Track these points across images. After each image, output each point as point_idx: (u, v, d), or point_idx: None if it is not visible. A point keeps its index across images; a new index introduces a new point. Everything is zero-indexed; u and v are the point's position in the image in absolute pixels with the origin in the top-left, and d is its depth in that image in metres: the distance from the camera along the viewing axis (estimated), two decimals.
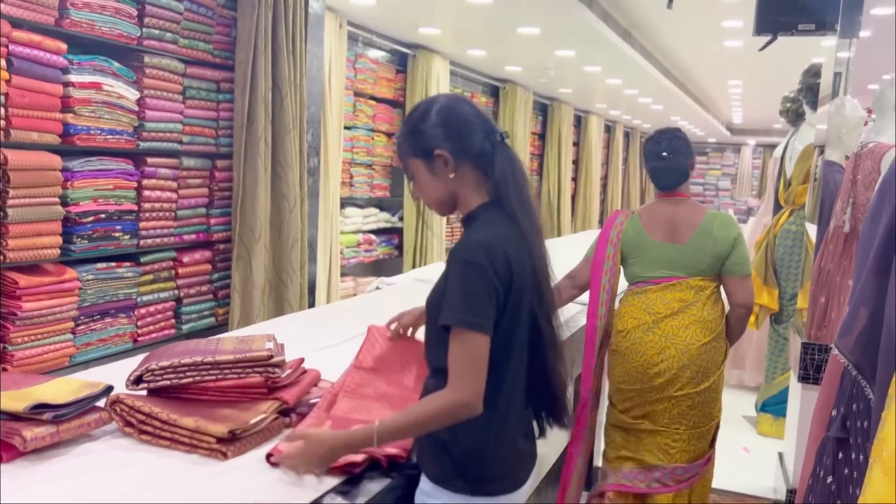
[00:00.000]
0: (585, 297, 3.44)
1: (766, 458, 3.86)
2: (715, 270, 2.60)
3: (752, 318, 4.27)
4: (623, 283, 2.78)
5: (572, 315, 3.12)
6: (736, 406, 4.81)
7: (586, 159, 11.10)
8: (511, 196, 1.52)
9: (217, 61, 3.55)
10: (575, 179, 10.96)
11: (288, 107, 3.68)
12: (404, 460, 1.58)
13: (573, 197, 10.83)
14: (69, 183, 2.85)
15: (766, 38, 3.68)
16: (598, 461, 3.57)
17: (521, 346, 1.54)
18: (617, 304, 2.77)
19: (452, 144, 1.52)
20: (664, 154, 2.72)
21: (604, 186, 12.60)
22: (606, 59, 6.70)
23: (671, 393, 2.56)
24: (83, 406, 1.60)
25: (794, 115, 4.61)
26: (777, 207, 4.47)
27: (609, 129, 12.69)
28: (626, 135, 13.89)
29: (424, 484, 1.54)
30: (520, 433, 1.58)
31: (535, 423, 1.62)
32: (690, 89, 9.55)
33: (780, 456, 3.59)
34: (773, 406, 4.29)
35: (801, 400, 3.05)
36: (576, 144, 10.88)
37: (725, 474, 3.68)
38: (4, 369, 2.62)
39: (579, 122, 11.01)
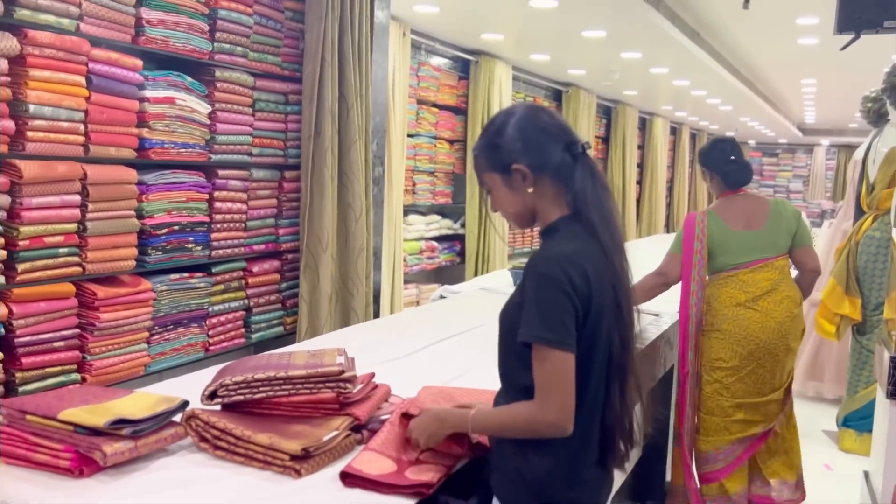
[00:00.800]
0: (654, 306, 3.37)
1: (849, 476, 3.68)
2: (788, 247, 3.00)
3: (833, 329, 4.09)
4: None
5: (643, 327, 3.03)
6: (815, 420, 4.61)
7: (651, 162, 10.88)
8: (591, 210, 1.47)
9: (285, 73, 3.60)
10: (640, 183, 10.76)
11: (354, 117, 3.70)
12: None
13: (638, 201, 10.63)
14: (144, 196, 2.91)
15: (848, 37, 3.51)
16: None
17: (601, 368, 1.48)
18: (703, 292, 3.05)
19: (530, 158, 1.48)
20: (732, 157, 3.13)
21: (670, 190, 12.33)
22: (673, 61, 6.55)
23: (771, 362, 2.93)
24: (160, 421, 1.62)
25: (877, 116, 4.40)
26: (859, 213, 4.27)
27: (675, 132, 12.42)
28: (693, 136, 13.56)
29: None
30: (594, 459, 1.52)
31: (618, 447, 1.55)
32: (760, 89, 9.26)
33: (866, 474, 3.41)
34: (857, 421, 4.09)
35: (889, 417, 2.89)
36: (641, 147, 10.68)
37: (806, 492, 3.54)
38: (84, 379, 2.69)
39: (644, 125, 10.80)
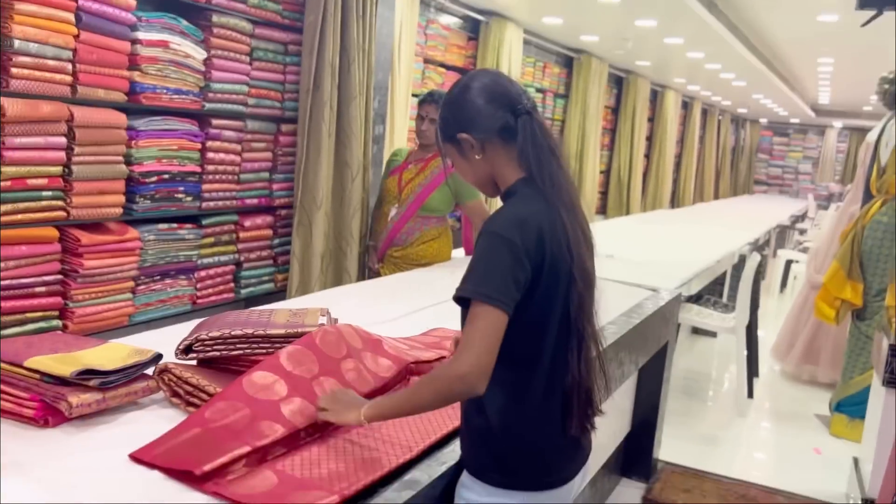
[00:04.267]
0: (652, 281, 3.31)
1: (838, 461, 3.65)
2: None
3: (833, 314, 4.03)
4: None
5: (638, 302, 2.98)
6: (808, 403, 4.59)
7: (661, 136, 10.74)
8: (534, 170, 1.43)
9: (286, 22, 3.49)
10: (648, 156, 10.62)
11: (355, 73, 3.59)
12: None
13: (645, 174, 10.51)
14: (133, 142, 2.83)
15: (869, 13, 3.40)
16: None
17: (558, 329, 1.43)
18: None
19: (472, 126, 1.47)
20: None
21: (677, 165, 12.20)
22: (689, 31, 6.39)
23: None
24: (131, 374, 1.56)
25: (893, 98, 4.28)
26: (867, 196, 4.17)
27: (686, 106, 12.25)
28: (704, 112, 13.38)
29: (464, 476, 1.47)
30: (560, 422, 1.47)
31: (576, 414, 1.48)
32: (776, 66, 9.08)
33: (856, 461, 3.38)
34: (850, 407, 4.04)
35: (884, 405, 2.84)
36: (650, 120, 10.52)
37: (793, 475, 3.51)
38: (65, 326, 2.64)
39: (655, 97, 10.63)
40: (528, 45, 6.82)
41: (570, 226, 1.42)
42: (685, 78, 10.10)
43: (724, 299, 5.42)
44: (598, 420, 1.54)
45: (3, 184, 2.41)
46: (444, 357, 1.91)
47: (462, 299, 1.36)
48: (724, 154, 15.31)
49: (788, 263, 8.49)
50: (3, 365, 1.49)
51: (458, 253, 3.85)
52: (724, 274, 5.53)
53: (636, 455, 3.36)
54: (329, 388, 1.55)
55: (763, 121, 17.22)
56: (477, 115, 1.47)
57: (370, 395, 1.59)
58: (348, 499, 1.27)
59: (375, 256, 3.54)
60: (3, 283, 2.45)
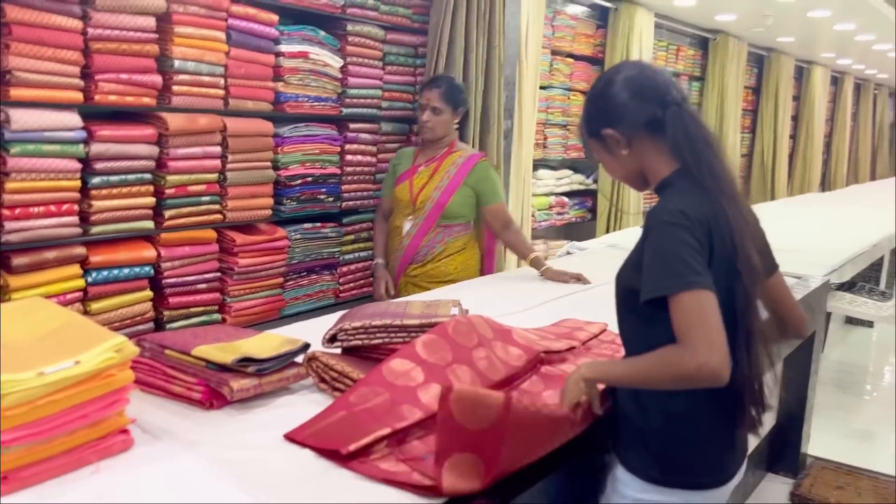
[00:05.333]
0: (799, 269, 3.16)
1: None
2: None
3: None
4: None
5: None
6: None
7: (807, 115, 10.08)
8: (690, 162, 1.40)
9: (416, 26, 3.60)
10: (794, 137, 10.01)
11: (492, 69, 3.66)
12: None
13: (791, 157, 9.91)
14: (279, 148, 3.04)
15: None
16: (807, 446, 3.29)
17: (726, 329, 1.39)
18: None
19: (617, 121, 1.45)
20: None
21: (827, 146, 11.41)
22: (837, 2, 5.98)
23: None
24: (283, 361, 1.69)
25: None
26: None
27: (836, 82, 11.41)
28: (857, 87, 12.42)
29: (619, 470, 1.48)
30: (723, 423, 1.45)
31: (748, 412, 1.45)
32: None
33: None
34: None
35: None
36: (796, 99, 9.91)
37: None
38: (224, 320, 2.88)
39: (801, 74, 10.00)
40: (660, 29, 6.62)
41: (733, 217, 1.37)
42: (834, 52, 9.42)
43: (882, 286, 5.05)
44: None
45: (168, 191, 2.67)
46: (574, 347, 1.93)
47: (657, 299, 1.29)
48: (881, 131, 14.13)
49: None
50: (174, 353, 1.67)
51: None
52: (882, 259, 5.15)
53: (783, 449, 3.22)
54: (463, 375, 1.61)
55: None
56: (622, 109, 1.45)
57: (501, 384, 1.65)
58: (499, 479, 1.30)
59: (388, 280, 3.06)
60: (170, 280, 2.72)
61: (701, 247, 1.31)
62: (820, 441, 3.35)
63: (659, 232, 1.34)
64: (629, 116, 1.44)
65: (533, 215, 5.13)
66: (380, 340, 1.78)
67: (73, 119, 2.37)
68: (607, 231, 5.64)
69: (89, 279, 2.50)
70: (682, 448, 1.43)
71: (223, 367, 1.61)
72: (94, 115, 2.51)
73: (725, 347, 1.24)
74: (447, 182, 2.94)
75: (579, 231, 5.76)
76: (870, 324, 5.42)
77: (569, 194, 5.76)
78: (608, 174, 1.58)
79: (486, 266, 3.27)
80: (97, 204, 2.49)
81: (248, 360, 1.62)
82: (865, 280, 4.71)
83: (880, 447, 3.65)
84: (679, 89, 1.46)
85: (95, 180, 2.47)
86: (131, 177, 2.56)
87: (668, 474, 1.42)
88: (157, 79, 2.58)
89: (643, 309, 1.35)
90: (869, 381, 4.69)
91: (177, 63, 2.62)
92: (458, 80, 3.32)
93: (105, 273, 2.53)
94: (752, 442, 2.92)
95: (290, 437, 1.43)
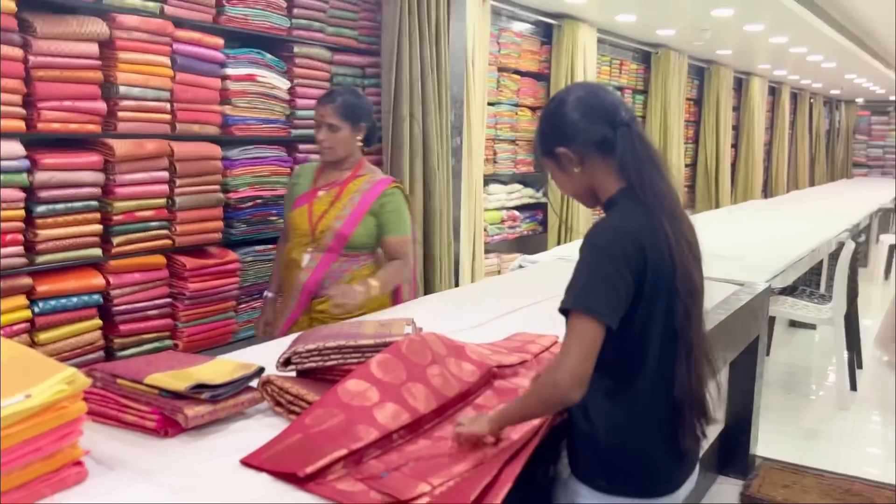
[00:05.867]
0: (742, 276, 3.25)
1: None
2: None
3: None
4: None
5: (726, 297, 2.95)
6: None
7: (748, 124, 10.42)
8: (635, 181, 1.45)
9: (362, 47, 3.64)
10: (735, 146, 10.32)
11: (430, 88, 3.70)
12: None
13: (733, 165, 10.21)
14: (228, 171, 3.04)
15: None
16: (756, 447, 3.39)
17: (664, 341, 1.45)
18: None
19: (569, 140, 1.50)
20: None
21: (768, 153, 11.78)
22: (769, 17, 6.21)
23: None
24: (237, 386, 1.70)
25: None
26: None
27: (774, 92, 11.82)
28: (794, 96, 12.88)
29: (570, 479, 1.52)
30: (668, 432, 1.49)
31: (690, 424, 1.51)
32: (868, 43, 8.67)
33: None
34: None
35: None
36: (736, 109, 10.23)
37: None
38: (176, 345, 2.85)
39: (740, 85, 10.33)
40: (603, 44, 6.79)
41: (672, 235, 1.43)
42: (770, 63, 9.77)
43: (822, 290, 5.24)
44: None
45: (116, 218, 2.64)
46: (526, 361, 1.98)
47: (564, 310, 1.39)
48: (818, 138, 14.66)
49: (892, 249, 8.09)
50: (127, 382, 1.66)
51: None
52: (821, 264, 5.34)
53: (732, 452, 3.31)
54: (418, 393, 1.64)
55: (859, 101, 16.37)
56: (574, 129, 1.49)
57: (455, 400, 1.68)
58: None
59: (270, 321, 2.73)
60: (120, 307, 2.68)
61: (622, 277, 1.37)
62: (768, 441, 3.46)
63: (587, 251, 1.41)
64: (581, 136, 1.49)
65: (485, 230, 5.19)
66: (334, 362, 1.79)
67: (16, 148, 2.34)
68: (558, 243, 5.74)
69: (36, 309, 2.45)
70: (627, 457, 1.47)
71: (177, 395, 1.61)
72: (38, 143, 2.48)
73: (586, 373, 1.34)
74: (350, 211, 2.57)
75: (531, 244, 5.84)
76: (812, 326, 5.61)
77: (520, 208, 5.85)
78: (561, 191, 1.61)
79: (407, 294, 2.86)
80: (43, 233, 2.45)
81: (201, 387, 1.62)
82: (806, 284, 4.88)
83: (824, 445, 3.78)
84: (627, 110, 1.51)
85: (40, 209, 2.44)
86: (77, 204, 2.53)
87: (616, 483, 1.47)
88: (102, 105, 2.56)
89: None
90: (813, 382, 4.85)
91: (122, 89, 2.61)
92: (357, 90, 2.91)
93: (53, 303, 2.49)
94: (704, 445, 3.01)
95: (247, 462, 1.43)
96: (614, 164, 1.48)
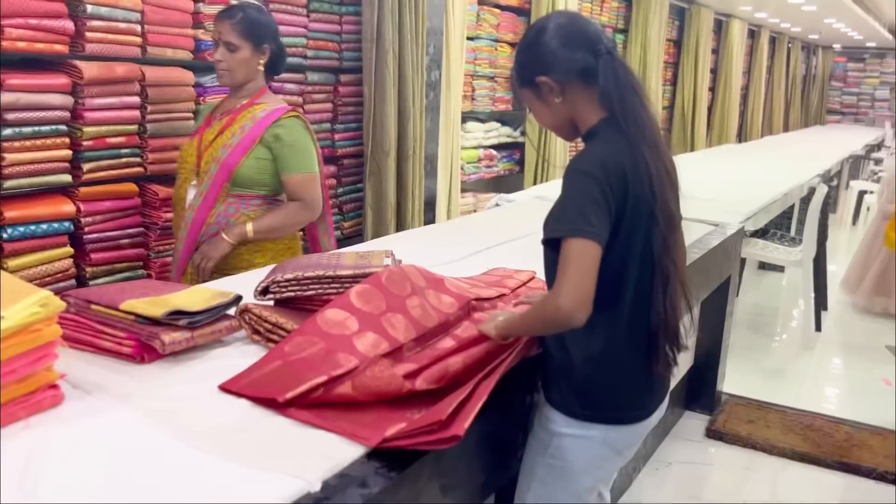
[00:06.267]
0: (716, 217, 3.28)
1: None
2: None
3: None
4: None
5: (700, 237, 2.98)
6: (878, 336, 4.52)
7: (726, 68, 10.38)
8: (617, 110, 1.44)
9: None
10: (713, 90, 10.30)
11: (407, 18, 3.61)
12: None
13: (710, 109, 10.21)
14: (201, 98, 2.95)
15: None
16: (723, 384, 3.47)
17: (642, 270, 1.46)
18: None
19: (551, 69, 1.47)
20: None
21: (744, 98, 11.79)
22: None
23: None
24: (215, 314, 1.68)
25: None
26: None
27: (753, 35, 11.76)
28: (773, 40, 12.83)
29: (545, 407, 1.54)
30: (643, 360, 1.52)
31: (663, 351, 1.53)
32: None
33: None
34: None
35: None
36: (715, 52, 10.17)
37: (862, 407, 3.50)
38: (149, 275, 2.82)
39: (720, 28, 10.25)
40: None
41: (652, 165, 1.42)
42: (751, 6, 9.69)
43: (792, 233, 5.33)
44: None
45: (85, 143, 2.57)
46: (504, 295, 1.99)
47: (552, 241, 1.38)
48: (794, 84, 14.70)
49: (861, 195, 8.22)
50: (101, 308, 1.63)
51: None
52: (793, 208, 5.41)
53: (700, 388, 3.40)
54: (397, 323, 1.65)
55: (836, 47, 16.40)
56: (555, 57, 1.46)
57: (435, 331, 1.68)
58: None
59: (172, 262, 2.48)
60: (91, 236, 2.63)
61: (607, 201, 1.37)
62: (734, 380, 3.55)
63: (570, 179, 1.40)
64: (563, 64, 1.46)
65: (462, 168, 5.15)
66: (313, 292, 1.78)
67: None
68: (535, 183, 5.73)
69: (4, 235, 2.40)
70: (601, 384, 1.50)
71: (154, 321, 1.59)
72: (3, 63, 2.38)
73: (588, 294, 1.33)
74: (238, 139, 2.31)
75: (507, 184, 5.82)
76: (781, 268, 5.72)
77: (497, 147, 5.80)
78: (539, 123, 1.59)
79: (327, 242, 2.63)
80: (9, 157, 2.37)
81: (179, 314, 1.61)
82: (777, 227, 4.95)
83: (788, 384, 3.89)
84: (608, 38, 1.49)
85: (7, 132, 2.35)
86: (45, 128, 2.45)
87: (589, 409, 1.50)
88: (69, 24, 2.46)
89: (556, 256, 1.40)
90: (779, 323, 4.97)
91: (89, 8, 2.50)
92: (262, 8, 2.63)
93: (21, 229, 2.43)
94: (673, 381, 3.08)
95: (226, 388, 1.43)
96: (596, 93, 1.46)
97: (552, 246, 1.40)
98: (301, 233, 2.60)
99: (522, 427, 1.63)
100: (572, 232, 1.34)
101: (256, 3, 2.74)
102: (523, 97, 1.56)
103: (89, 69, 2.50)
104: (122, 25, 2.62)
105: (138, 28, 2.67)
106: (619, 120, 1.43)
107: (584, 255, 1.33)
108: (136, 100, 2.69)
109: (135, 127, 2.72)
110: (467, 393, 1.37)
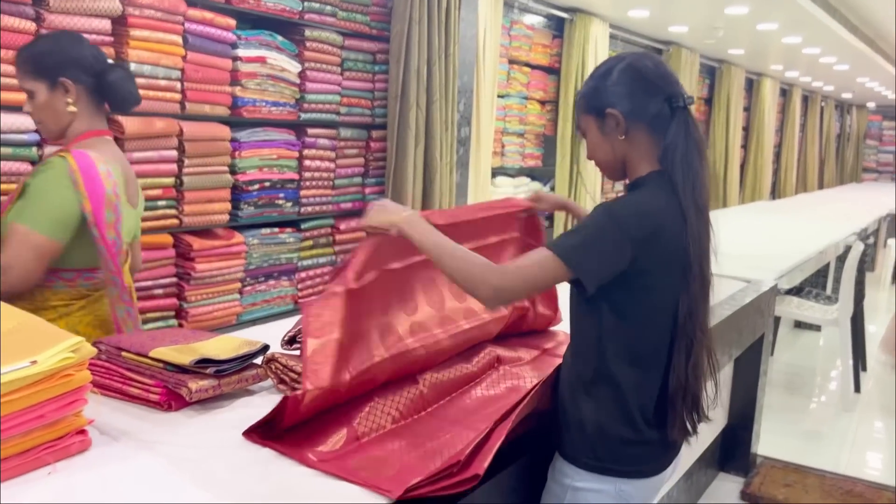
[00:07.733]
0: (749, 273, 3.24)
1: None
2: None
3: None
4: None
5: (732, 294, 2.94)
6: None
7: (758, 125, 10.37)
8: (676, 165, 1.40)
9: (374, 33, 3.63)
10: (745, 147, 10.28)
11: (437, 76, 3.69)
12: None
13: (742, 166, 10.17)
14: (237, 153, 3.03)
15: None
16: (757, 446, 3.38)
17: (662, 330, 1.43)
18: None
19: (626, 104, 1.43)
20: None
21: (777, 155, 11.74)
22: (783, 16, 6.18)
23: None
24: (242, 363, 1.69)
25: None
26: None
27: (785, 93, 11.77)
28: (805, 98, 12.82)
29: (558, 459, 1.52)
30: (656, 424, 1.48)
31: (681, 419, 1.49)
32: (881, 46, 8.62)
33: None
34: None
35: None
36: (746, 110, 10.19)
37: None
38: (181, 325, 2.85)
39: (751, 86, 10.28)
40: (615, 40, 6.76)
41: (696, 228, 1.39)
42: (782, 64, 9.72)
43: (828, 292, 5.22)
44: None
45: None
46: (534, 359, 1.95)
47: (578, 282, 1.37)
48: (828, 142, 14.61)
49: None
50: (131, 355, 1.65)
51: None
52: (828, 266, 5.32)
53: (734, 449, 3.30)
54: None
55: (870, 105, 16.30)
56: (633, 95, 1.43)
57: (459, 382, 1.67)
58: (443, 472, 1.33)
59: None
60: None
61: (618, 252, 1.34)
62: (770, 441, 3.45)
63: (597, 214, 1.37)
64: (638, 104, 1.43)
65: None
66: None
67: (26, 121, 2.33)
68: None
69: None
70: (614, 438, 1.46)
71: (181, 369, 1.61)
72: None
73: (516, 298, 1.45)
74: (15, 189, 1.82)
75: None
76: (817, 328, 5.59)
77: None
78: (588, 154, 1.55)
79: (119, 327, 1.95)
80: None
81: (206, 362, 1.62)
82: (812, 285, 4.86)
83: (826, 447, 3.76)
84: (687, 93, 1.46)
85: None
86: None
87: (602, 461, 1.46)
88: None
89: (589, 299, 1.40)
90: (817, 383, 4.83)
91: (133, 66, 2.60)
92: (60, 36, 2.05)
93: None
94: (705, 441, 3.00)
95: (250, 436, 1.43)
96: (657, 142, 1.43)
97: (578, 286, 1.38)
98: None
99: (536, 482, 1.59)
100: (561, 254, 1.34)
101: (57, 31, 2.26)
102: (584, 123, 1.51)
103: (130, 124, 2.59)
104: (163, 82, 2.71)
105: (178, 85, 2.77)
106: (675, 176, 1.40)
107: (548, 273, 1.33)
108: (173, 153, 2.77)
109: (171, 180, 2.79)
110: (484, 435, 1.35)
